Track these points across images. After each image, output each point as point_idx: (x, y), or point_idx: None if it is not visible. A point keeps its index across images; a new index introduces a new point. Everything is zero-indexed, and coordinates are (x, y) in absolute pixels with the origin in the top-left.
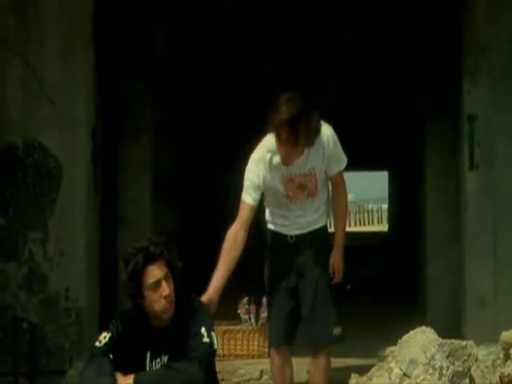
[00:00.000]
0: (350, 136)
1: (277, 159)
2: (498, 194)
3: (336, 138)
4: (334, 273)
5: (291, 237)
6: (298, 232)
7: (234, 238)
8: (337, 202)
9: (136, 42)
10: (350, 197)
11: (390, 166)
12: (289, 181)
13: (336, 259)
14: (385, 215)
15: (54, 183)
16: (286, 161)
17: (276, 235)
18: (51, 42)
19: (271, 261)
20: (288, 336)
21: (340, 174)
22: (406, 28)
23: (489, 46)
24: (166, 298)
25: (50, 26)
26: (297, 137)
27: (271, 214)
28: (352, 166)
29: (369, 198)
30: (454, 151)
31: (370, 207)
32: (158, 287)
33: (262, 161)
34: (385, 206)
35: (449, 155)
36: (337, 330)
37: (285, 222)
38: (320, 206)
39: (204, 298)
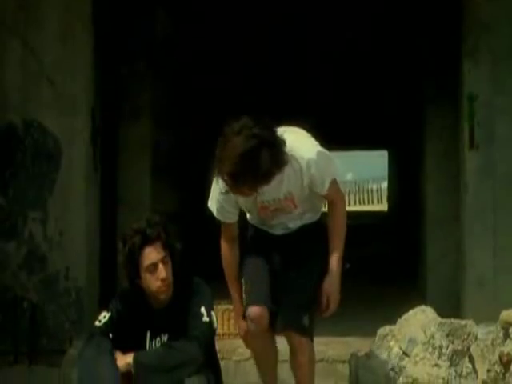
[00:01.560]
0: (350, 115)
1: None
2: (498, 174)
3: (323, 158)
4: (327, 303)
5: (274, 234)
6: (283, 232)
7: (229, 256)
8: (331, 221)
9: (136, 23)
10: (349, 176)
11: (390, 145)
12: (262, 208)
13: (329, 286)
14: (384, 194)
15: (54, 163)
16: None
17: (259, 229)
18: (50, 23)
19: (252, 236)
20: (269, 299)
21: (333, 189)
22: (407, 7)
23: (490, 25)
24: (162, 280)
25: (49, 7)
26: (240, 189)
27: (251, 220)
28: (352, 145)
29: (368, 177)
30: (454, 132)
31: (369, 187)
32: (155, 270)
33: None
34: (384, 186)
35: (449, 135)
36: (305, 320)
37: (268, 229)
38: (308, 209)
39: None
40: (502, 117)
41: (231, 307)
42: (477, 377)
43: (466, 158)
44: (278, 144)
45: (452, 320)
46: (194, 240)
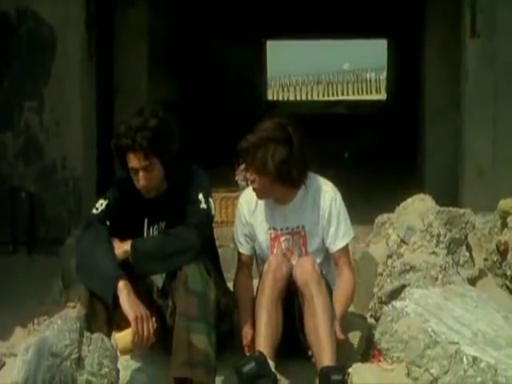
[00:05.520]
0: (348, 2)
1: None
2: (499, 62)
3: (342, 205)
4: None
5: None
6: None
7: (245, 287)
8: (338, 285)
9: None
10: (346, 66)
11: (390, 33)
12: (273, 239)
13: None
14: (383, 84)
15: (49, 52)
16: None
17: None
18: None
19: None
20: None
21: (343, 253)
22: None
23: None
24: (142, 187)
25: None
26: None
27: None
28: (350, 33)
29: (367, 66)
30: (455, 20)
31: (367, 76)
32: (137, 174)
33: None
34: (383, 75)
35: (450, 24)
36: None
37: None
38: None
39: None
40: (505, 4)
41: (229, 195)
42: (474, 265)
43: (467, 46)
44: (300, 151)
45: (450, 208)
46: (192, 128)
